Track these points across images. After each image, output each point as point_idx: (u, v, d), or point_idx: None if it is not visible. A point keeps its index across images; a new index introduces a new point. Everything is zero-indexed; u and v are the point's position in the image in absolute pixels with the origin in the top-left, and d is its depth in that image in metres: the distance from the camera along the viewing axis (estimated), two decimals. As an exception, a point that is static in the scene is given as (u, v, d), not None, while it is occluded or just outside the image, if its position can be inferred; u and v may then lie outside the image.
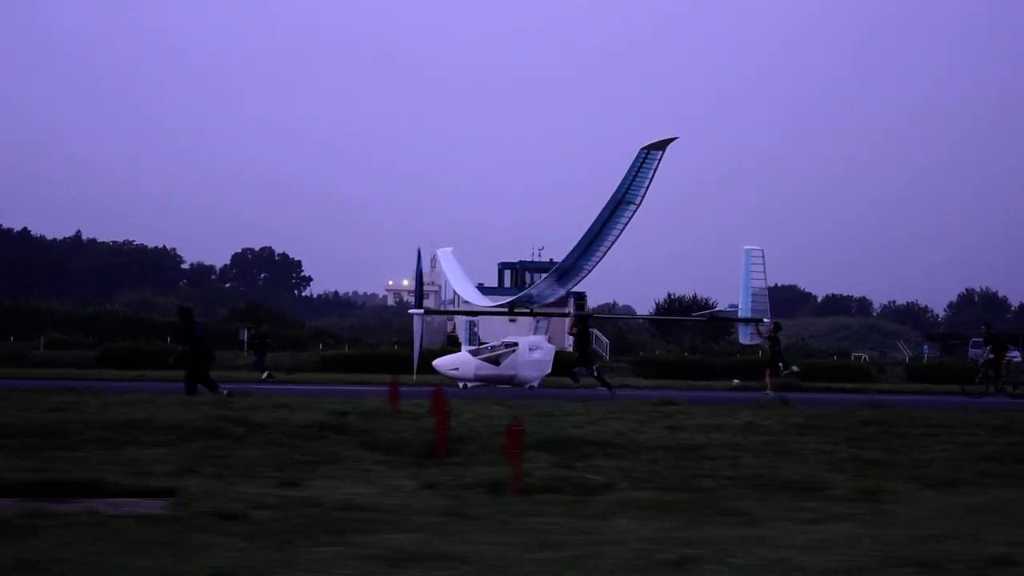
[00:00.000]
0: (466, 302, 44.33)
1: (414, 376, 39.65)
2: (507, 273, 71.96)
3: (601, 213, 34.38)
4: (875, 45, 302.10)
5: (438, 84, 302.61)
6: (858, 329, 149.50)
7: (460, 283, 46.22)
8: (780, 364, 39.69)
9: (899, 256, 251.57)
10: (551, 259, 67.30)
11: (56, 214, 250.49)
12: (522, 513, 10.22)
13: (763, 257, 41.28)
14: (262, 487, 11.43)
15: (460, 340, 42.27)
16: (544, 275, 39.67)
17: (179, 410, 19.34)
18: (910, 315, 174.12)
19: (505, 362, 38.49)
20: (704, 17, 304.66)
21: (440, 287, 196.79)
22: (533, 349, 38.76)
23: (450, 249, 48.17)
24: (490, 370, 38.52)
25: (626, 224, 34.82)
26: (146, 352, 49.62)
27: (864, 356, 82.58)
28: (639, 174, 33.32)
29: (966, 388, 38.48)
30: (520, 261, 72.44)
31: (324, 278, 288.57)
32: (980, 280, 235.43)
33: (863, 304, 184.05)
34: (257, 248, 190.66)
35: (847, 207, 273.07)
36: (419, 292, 42.11)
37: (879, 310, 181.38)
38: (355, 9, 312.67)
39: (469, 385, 38.09)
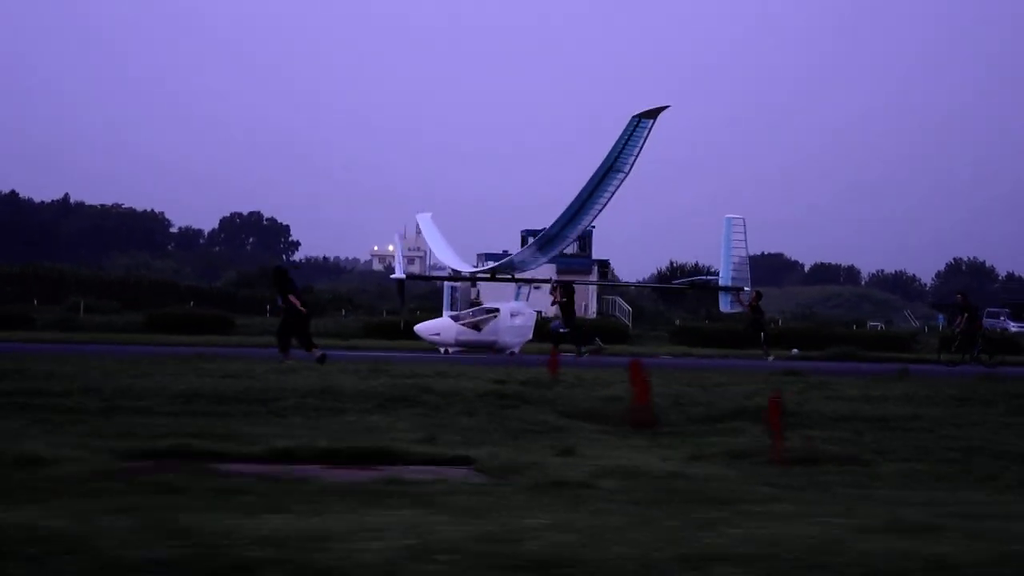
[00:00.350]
0: (442, 267, 44.91)
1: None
2: (531, 240, 72.15)
3: (590, 181, 34.51)
4: (865, 16, 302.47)
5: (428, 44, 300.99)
6: (849, 298, 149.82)
7: (440, 248, 46.46)
8: (764, 334, 41.27)
9: (886, 225, 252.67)
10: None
11: (44, 176, 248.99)
12: (850, 484, 10.29)
13: (744, 226, 42.04)
14: (541, 456, 11.46)
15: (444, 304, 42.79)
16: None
17: (349, 377, 19.28)
18: (899, 284, 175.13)
19: (486, 328, 38.76)
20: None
21: (425, 252, 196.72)
22: (514, 315, 38.98)
23: (429, 214, 48.34)
24: (471, 335, 38.75)
25: (613, 192, 35.02)
26: (194, 317, 49.57)
27: (880, 325, 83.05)
28: (629, 142, 33.51)
29: (942, 356, 39.26)
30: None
31: (309, 243, 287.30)
32: (967, 250, 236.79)
33: (851, 273, 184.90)
34: (246, 212, 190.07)
35: (835, 177, 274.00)
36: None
37: (867, 279, 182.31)
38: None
39: (450, 350, 38.23)
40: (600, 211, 37.05)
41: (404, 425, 13.67)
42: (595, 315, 70.18)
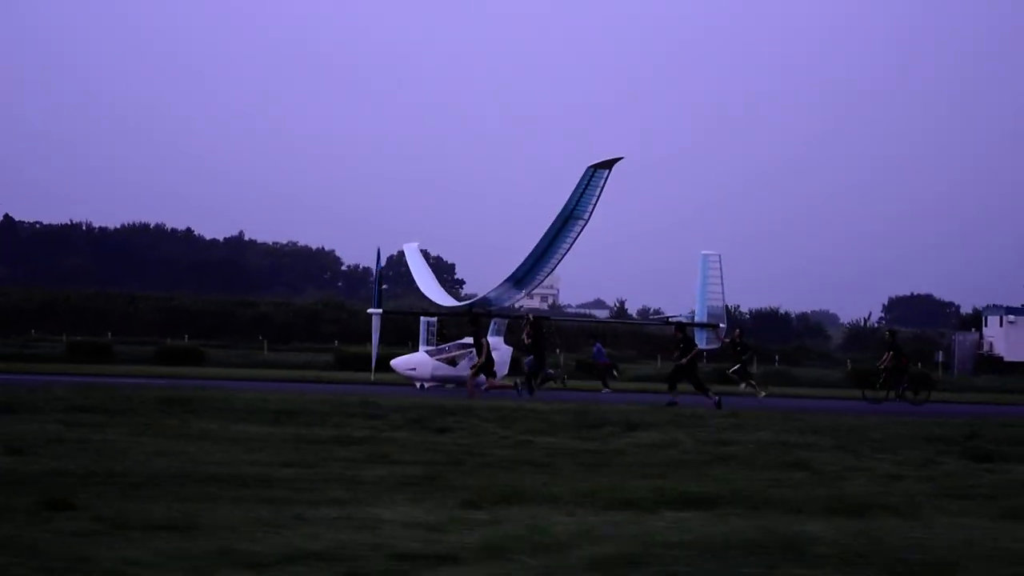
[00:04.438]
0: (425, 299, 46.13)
1: (372, 376, 42.39)
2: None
3: (551, 227, 36.30)
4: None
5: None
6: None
7: (424, 280, 47.61)
8: (745, 369, 42.10)
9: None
10: None
11: (217, 214, 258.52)
12: None
13: (720, 263, 42.11)
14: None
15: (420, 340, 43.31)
16: None
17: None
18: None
19: (462, 363, 39.36)
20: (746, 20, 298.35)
21: (557, 290, 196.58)
22: (490, 350, 38.86)
23: (416, 244, 49.80)
24: (447, 371, 39.52)
25: (576, 237, 36.78)
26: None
27: None
28: (586, 191, 35.12)
29: (867, 394, 39.24)
30: None
31: (474, 279, 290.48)
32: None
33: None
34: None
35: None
36: (378, 291, 44.08)
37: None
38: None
39: (426, 385, 39.08)
40: (565, 253, 39.00)
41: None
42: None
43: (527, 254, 38.39)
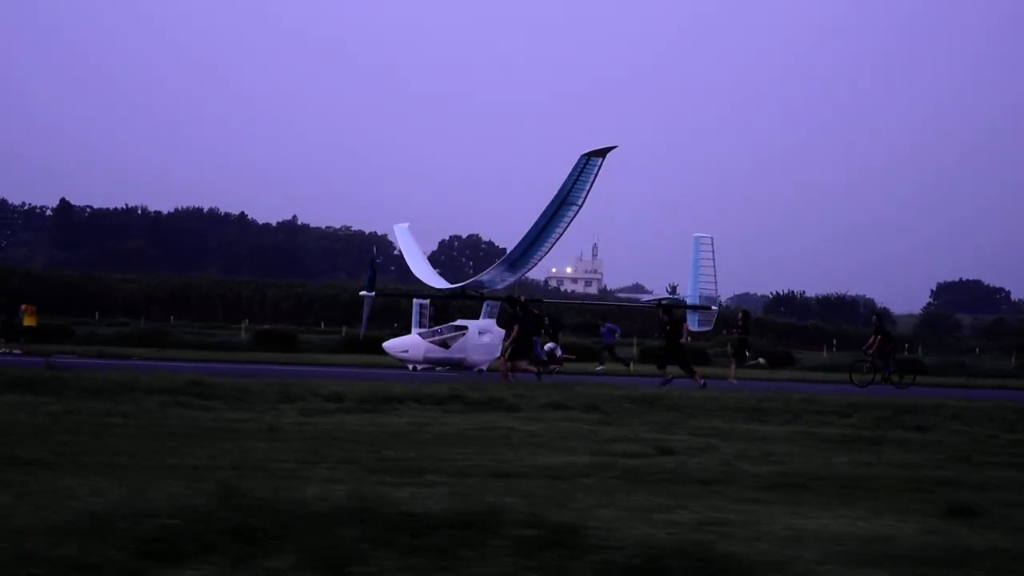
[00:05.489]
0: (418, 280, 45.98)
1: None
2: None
3: (544, 212, 36.36)
4: None
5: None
6: None
7: (415, 261, 47.54)
8: (747, 352, 41.84)
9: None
10: None
11: (272, 199, 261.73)
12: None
13: (712, 245, 41.98)
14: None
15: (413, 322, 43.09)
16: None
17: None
18: None
19: (454, 345, 39.56)
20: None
21: (601, 274, 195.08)
22: (482, 333, 39.68)
23: (407, 225, 49.49)
24: (439, 353, 39.60)
25: (569, 222, 36.87)
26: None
27: None
28: (580, 178, 35.18)
29: (854, 377, 39.50)
30: None
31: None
32: None
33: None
34: (465, 235, 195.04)
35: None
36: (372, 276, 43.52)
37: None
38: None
39: (419, 368, 39.08)
40: (559, 237, 39.37)
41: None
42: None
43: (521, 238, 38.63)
